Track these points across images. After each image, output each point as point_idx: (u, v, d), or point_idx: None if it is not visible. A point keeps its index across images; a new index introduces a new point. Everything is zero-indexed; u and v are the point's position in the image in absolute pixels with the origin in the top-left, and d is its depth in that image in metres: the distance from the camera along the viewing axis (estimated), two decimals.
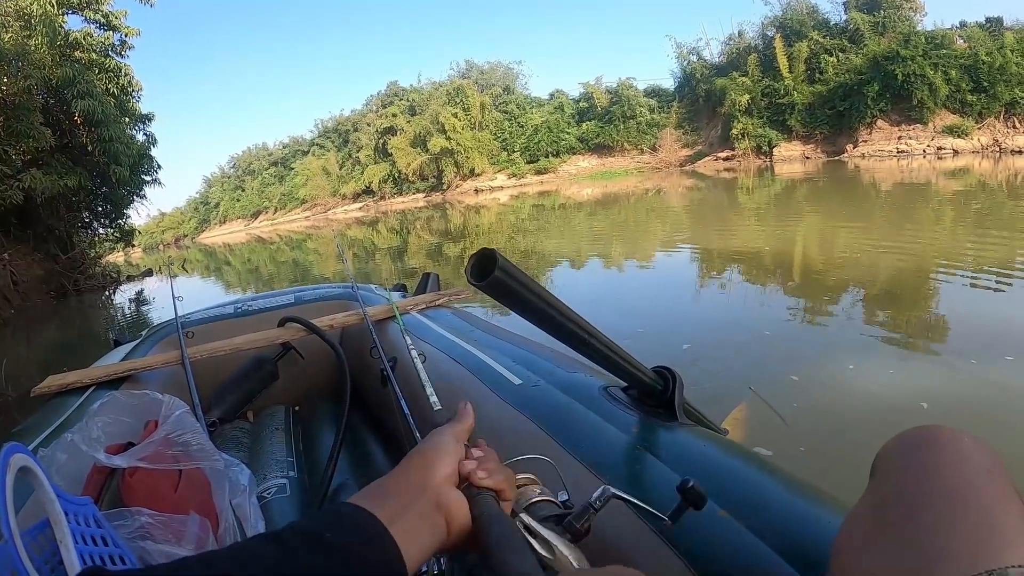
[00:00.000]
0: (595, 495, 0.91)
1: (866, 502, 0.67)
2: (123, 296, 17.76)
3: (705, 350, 5.09)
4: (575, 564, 0.85)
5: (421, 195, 53.52)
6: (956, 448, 0.64)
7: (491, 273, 0.77)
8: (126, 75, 20.20)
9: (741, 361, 4.74)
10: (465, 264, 0.80)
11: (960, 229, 9.98)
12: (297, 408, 2.96)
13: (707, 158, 41.02)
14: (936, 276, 6.65)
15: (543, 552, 0.85)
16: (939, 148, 30.99)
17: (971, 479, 0.60)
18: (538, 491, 0.98)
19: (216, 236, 64.79)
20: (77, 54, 18.33)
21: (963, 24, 34.31)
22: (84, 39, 18.91)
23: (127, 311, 15.16)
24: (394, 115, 55.99)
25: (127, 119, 20.22)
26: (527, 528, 0.87)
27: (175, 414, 1.40)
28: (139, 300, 16.59)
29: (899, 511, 0.60)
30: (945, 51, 31.59)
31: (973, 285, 6.20)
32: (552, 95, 53.55)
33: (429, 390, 1.89)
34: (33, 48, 16.21)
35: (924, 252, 8.03)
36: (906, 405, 3.70)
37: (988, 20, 33.55)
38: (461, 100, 51.31)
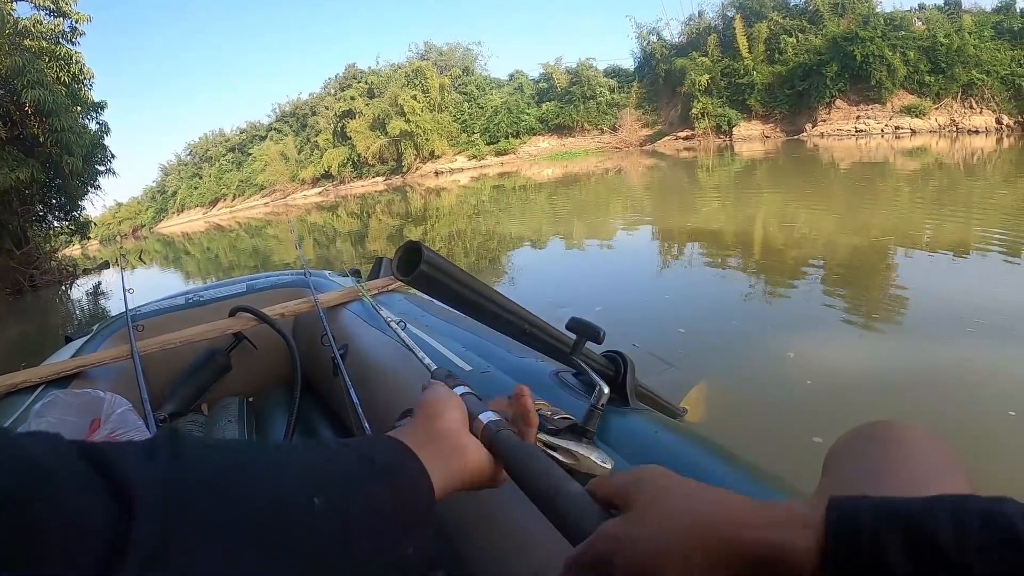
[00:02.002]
0: (592, 397, 1.02)
1: (823, 492, 0.63)
2: (80, 290, 17.60)
3: (661, 326, 5.15)
4: (598, 462, 0.96)
5: (381, 179, 53.11)
6: (909, 443, 0.64)
7: (417, 267, 0.77)
8: (77, 63, 19.68)
9: (695, 337, 4.80)
10: (393, 260, 0.79)
11: (918, 207, 10.14)
12: (251, 399, 2.91)
13: (667, 138, 41.16)
14: (894, 252, 6.74)
15: (567, 461, 0.95)
16: (897, 128, 31.37)
17: (924, 475, 0.59)
18: (548, 412, 1.07)
19: (174, 225, 63.94)
20: (26, 42, 17.84)
21: (922, 6, 34.62)
22: (33, 26, 18.40)
23: (84, 305, 15.03)
24: (352, 98, 55.47)
25: (79, 108, 19.76)
26: (547, 445, 0.96)
27: (117, 412, 1.37)
28: (96, 293, 16.42)
29: None
30: (904, 33, 31.93)
31: (931, 261, 6.29)
32: (512, 76, 53.46)
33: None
34: None
35: (883, 229, 8.14)
36: (864, 381, 3.75)
37: (947, 3, 33.88)
38: (420, 82, 51.01)
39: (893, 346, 4.35)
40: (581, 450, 0.94)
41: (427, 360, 1.82)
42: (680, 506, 0.51)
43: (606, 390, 1.03)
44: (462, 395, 1.06)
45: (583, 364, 1.23)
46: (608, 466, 0.99)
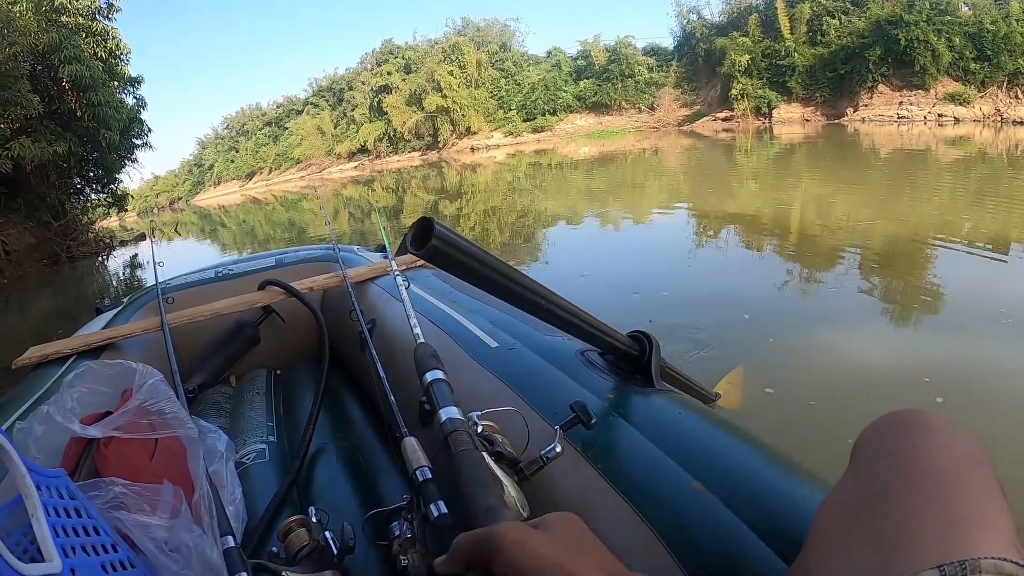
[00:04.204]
0: (546, 450, 1.02)
1: (844, 486, 0.67)
2: (116, 262, 17.78)
3: (693, 312, 5.11)
4: (518, 504, 0.94)
5: (417, 154, 53.11)
6: (937, 434, 0.63)
7: (428, 241, 0.76)
8: (113, 38, 19.94)
9: (732, 326, 4.75)
10: (406, 234, 0.79)
11: (959, 198, 9.95)
12: (279, 372, 2.94)
13: (706, 118, 40.77)
14: (934, 244, 6.62)
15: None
16: (940, 115, 30.71)
17: (951, 467, 0.59)
18: (500, 439, 1.08)
19: (211, 198, 64.43)
20: (63, 19, 18.05)
21: None
22: (70, 3, 18.57)
23: (121, 276, 15.24)
24: (389, 73, 55.41)
25: (116, 83, 20.04)
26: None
27: (148, 382, 1.38)
28: (132, 265, 16.63)
29: (876, 496, 0.60)
30: (949, 18, 31.09)
31: (970, 253, 6.18)
32: (549, 53, 53.05)
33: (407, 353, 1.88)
34: (18, 14, 15.94)
35: (922, 219, 8.01)
36: (900, 375, 3.70)
37: None
38: (457, 58, 50.79)
39: (933, 339, 4.30)
40: (511, 488, 0.95)
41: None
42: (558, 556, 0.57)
43: (559, 448, 1.03)
44: (433, 381, 1.11)
45: (610, 342, 1.23)
46: (525, 513, 0.98)
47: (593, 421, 1.09)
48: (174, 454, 1.37)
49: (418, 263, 2.85)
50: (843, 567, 0.57)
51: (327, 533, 1.21)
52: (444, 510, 1.13)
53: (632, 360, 1.32)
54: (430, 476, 1.24)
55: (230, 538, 1.25)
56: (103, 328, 2.54)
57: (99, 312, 3.06)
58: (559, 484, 1.11)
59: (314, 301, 2.71)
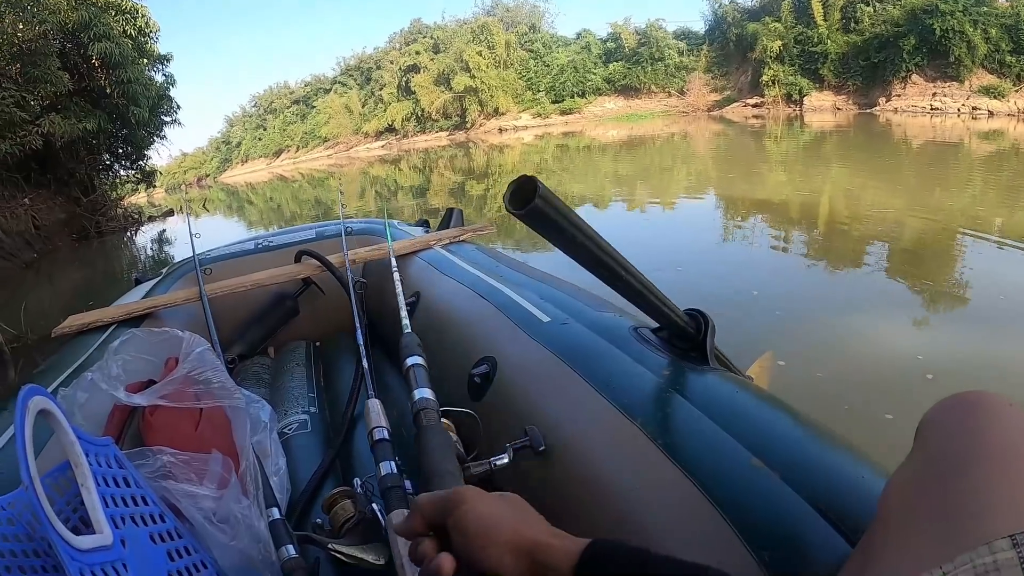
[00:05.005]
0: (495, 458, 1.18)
1: (911, 464, 0.66)
2: (145, 237, 18.08)
3: (726, 298, 5.08)
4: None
5: (444, 133, 53.08)
6: (1003, 412, 0.64)
7: (531, 202, 0.74)
8: (143, 16, 19.98)
9: (758, 315, 4.73)
10: (504, 191, 0.77)
11: (991, 192, 9.80)
12: (318, 344, 2.94)
13: (736, 104, 40.32)
14: (964, 237, 6.54)
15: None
16: (974, 108, 30.00)
17: (1014, 448, 0.59)
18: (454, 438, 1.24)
19: (238, 175, 64.82)
20: None
21: None
22: None
23: (149, 251, 15.45)
24: (417, 53, 55.32)
25: (145, 60, 20.14)
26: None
27: (196, 351, 1.38)
28: (161, 240, 16.89)
29: (945, 472, 0.60)
30: (986, 8, 30.31)
31: (1001, 249, 6.11)
32: (579, 35, 52.49)
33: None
34: None
35: (952, 212, 7.91)
36: (918, 370, 3.66)
37: None
38: (486, 38, 50.64)
39: (961, 332, 4.25)
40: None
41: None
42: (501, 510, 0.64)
43: (506, 460, 1.18)
44: (412, 366, 1.17)
45: (672, 317, 1.22)
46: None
47: (542, 448, 1.20)
48: (218, 424, 1.37)
49: (461, 237, 2.84)
50: (913, 542, 0.57)
51: (375, 505, 1.21)
52: (393, 470, 1.24)
53: (687, 338, 1.30)
54: (386, 437, 1.33)
55: (275, 510, 1.25)
56: (142, 298, 2.55)
57: (137, 283, 3.08)
58: (610, 459, 1.11)
59: (355, 274, 2.69)
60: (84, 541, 0.79)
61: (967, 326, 4.33)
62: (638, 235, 8.28)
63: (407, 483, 1.24)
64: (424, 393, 1.05)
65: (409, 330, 1.52)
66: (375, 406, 1.42)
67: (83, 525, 0.87)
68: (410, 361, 1.18)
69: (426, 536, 0.66)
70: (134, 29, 19.49)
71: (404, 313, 1.64)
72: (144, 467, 1.11)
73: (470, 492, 0.65)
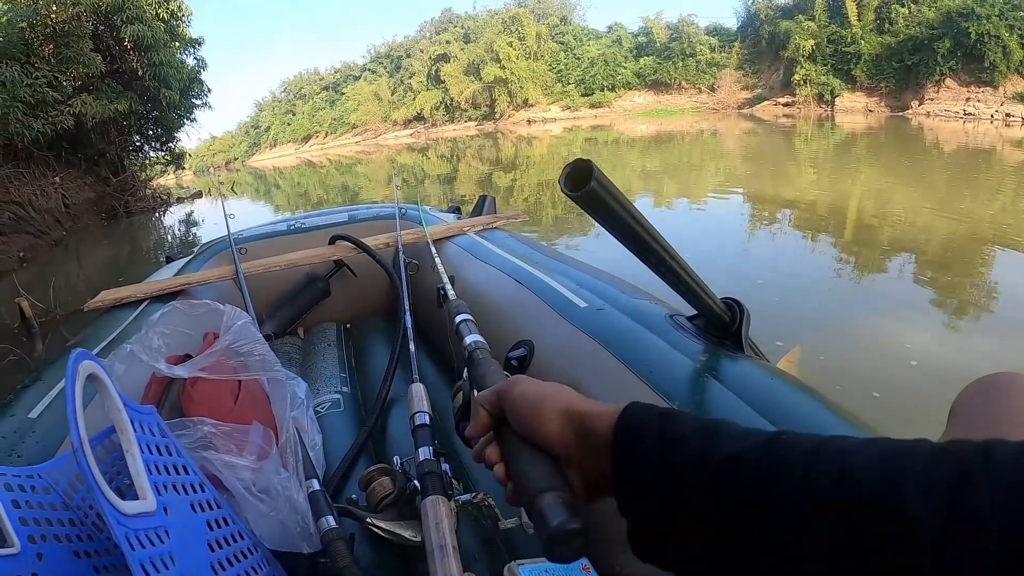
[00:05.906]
0: None
1: (947, 438, 0.68)
2: (173, 217, 18.20)
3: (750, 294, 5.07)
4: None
5: (473, 124, 53.15)
6: None
7: (587, 184, 0.75)
8: (175, 0, 20.21)
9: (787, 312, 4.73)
10: (560, 174, 0.77)
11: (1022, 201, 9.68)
12: (348, 326, 2.96)
13: (766, 102, 40.03)
14: (994, 245, 6.48)
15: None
16: (1008, 115, 29.41)
17: None
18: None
19: (266, 160, 65.18)
20: None
21: None
22: None
23: (177, 232, 15.58)
24: (448, 42, 55.43)
25: (177, 44, 20.39)
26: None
27: (237, 324, 1.39)
28: (188, 221, 17.03)
29: None
30: (1023, 14, 30.13)
31: None
32: (610, 28, 52.33)
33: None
34: None
35: (981, 220, 7.82)
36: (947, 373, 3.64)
37: None
38: (517, 29, 50.55)
39: (988, 339, 4.22)
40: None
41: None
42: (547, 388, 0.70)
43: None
44: (463, 320, 1.18)
45: (710, 305, 1.23)
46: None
47: None
48: (257, 397, 1.38)
49: (494, 223, 2.84)
50: None
51: (416, 483, 1.21)
52: (429, 455, 1.25)
53: (722, 326, 1.31)
54: (428, 423, 1.36)
55: (315, 481, 1.25)
56: (175, 275, 2.57)
57: (169, 260, 3.11)
58: None
59: (387, 257, 2.70)
60: (130, 506, 0.80)
61: (990, 333, 4.31)
62: (664, 230, 8.25)
63: (445, 466, 1.25)
64: (477, 338, 1.07)
65: (455, 297, 1.54)
66: (418, 390, 1.44)
67: (124, 491, 0.87)
68: (460, 317, 1.20)
69: (491, 442, 0.73)
70: (167, 12, 19.72)
71: (449, 287, 1.64)
72: (184, 437, 1.12)
73: (521, 377, 0.73)
